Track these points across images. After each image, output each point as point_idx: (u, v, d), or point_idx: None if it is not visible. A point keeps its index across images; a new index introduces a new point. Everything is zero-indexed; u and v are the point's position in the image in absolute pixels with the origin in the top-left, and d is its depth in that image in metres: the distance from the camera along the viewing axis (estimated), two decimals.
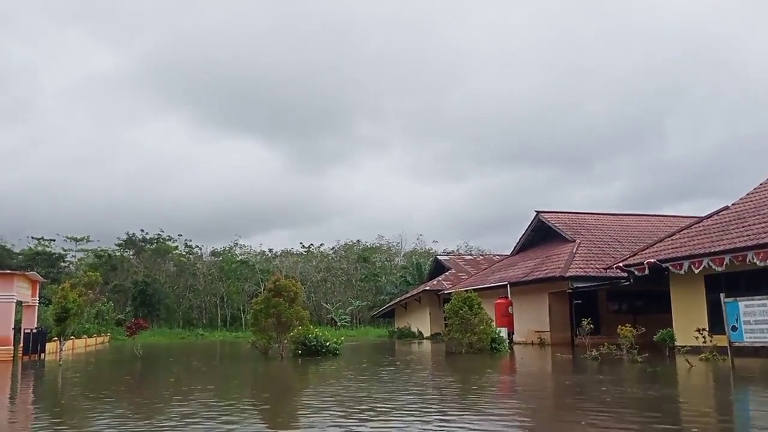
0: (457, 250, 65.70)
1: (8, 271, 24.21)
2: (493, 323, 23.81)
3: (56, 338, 22.05)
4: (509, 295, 27.81)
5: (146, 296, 52.41)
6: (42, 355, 22.84)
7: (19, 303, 24.28)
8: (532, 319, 28.26)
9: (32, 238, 58.79)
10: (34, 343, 22.71)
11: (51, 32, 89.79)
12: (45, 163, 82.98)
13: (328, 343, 20.77)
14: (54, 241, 59.19)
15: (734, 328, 14.40)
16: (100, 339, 37.92)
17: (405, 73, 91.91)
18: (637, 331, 17.77)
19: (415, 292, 42.94)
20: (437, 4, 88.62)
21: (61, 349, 21.47)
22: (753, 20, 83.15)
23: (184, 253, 63.35)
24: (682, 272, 19.35)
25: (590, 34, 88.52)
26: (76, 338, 30.84)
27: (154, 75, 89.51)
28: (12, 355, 22.03)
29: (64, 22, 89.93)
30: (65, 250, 60.01)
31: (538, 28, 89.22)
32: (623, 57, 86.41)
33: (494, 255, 47.75)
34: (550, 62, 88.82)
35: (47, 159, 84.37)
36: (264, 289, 22.67)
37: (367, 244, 70.12)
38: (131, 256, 60.83)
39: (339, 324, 52.73)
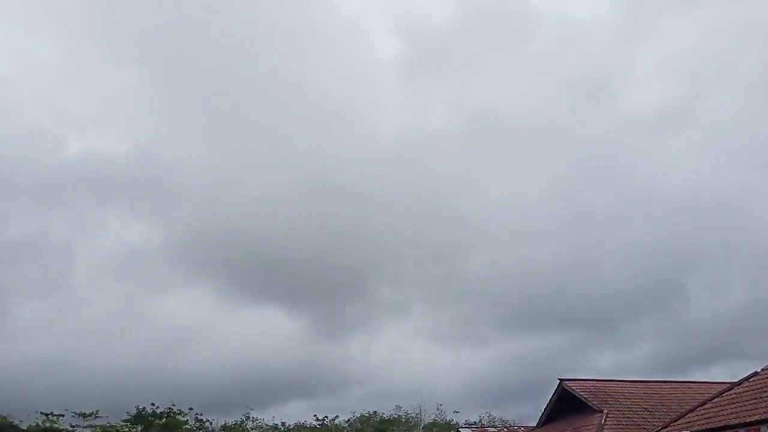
0: (480, 420, 62.41)
1: None
2: None
3: None
4: None
5: None
6: None
7: None
8: None
9: (41, 413, 57.29)
10: None
11: (90, 210, 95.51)
12: (67, 337, 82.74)
13: None
14: (63, 416, 57.46)
15: None
16: None
17: (423, 241, 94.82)
18: None
19: None
20: (451, 179, 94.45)
21: None
22: (761, 178, 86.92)
23: (194, 428, 60.81)
24: None
25: (603, 201, 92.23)
26: None
27: (182, 248, 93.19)
28: None
29: (103, 200, 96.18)
30: (73, 426, 57.77)
31: (552, 198, 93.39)
32: (637, 221, 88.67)
33: (519, 426, 45.37)
34: (566, 229, 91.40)
35: (70, 333, 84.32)
36: None
37: (385, 416, 67.02)
38: None
39: None
